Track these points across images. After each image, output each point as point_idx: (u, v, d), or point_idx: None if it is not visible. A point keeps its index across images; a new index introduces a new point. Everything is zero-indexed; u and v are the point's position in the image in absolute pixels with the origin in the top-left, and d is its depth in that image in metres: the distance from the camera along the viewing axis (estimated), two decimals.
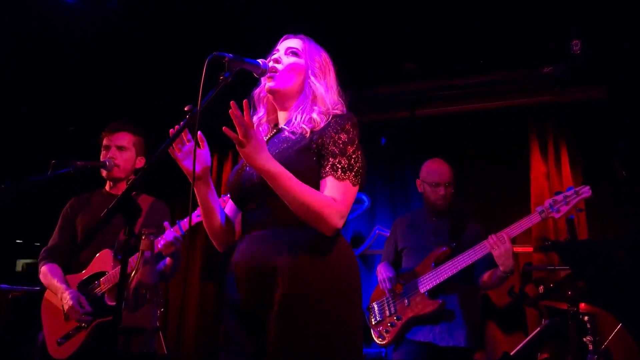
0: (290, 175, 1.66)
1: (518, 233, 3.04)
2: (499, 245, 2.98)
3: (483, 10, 3.74)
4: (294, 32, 2.04)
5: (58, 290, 2.78)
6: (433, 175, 3.39)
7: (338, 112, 1.88)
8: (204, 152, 1.85)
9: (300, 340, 1.63)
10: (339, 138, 1.77)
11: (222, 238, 1.95)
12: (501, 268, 3.01)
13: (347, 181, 1.73)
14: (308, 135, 1.80)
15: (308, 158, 1.76)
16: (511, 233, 3.01)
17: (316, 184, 1.74)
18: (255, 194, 1.80)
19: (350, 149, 1.77)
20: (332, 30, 3.91)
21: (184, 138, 1.80)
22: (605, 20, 3.67)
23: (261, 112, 2.02)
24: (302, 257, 1.70)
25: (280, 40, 2.02)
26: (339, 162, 1.74)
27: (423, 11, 3.80)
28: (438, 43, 4.05)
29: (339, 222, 1.70)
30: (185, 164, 1.81)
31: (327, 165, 1.74)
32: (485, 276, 3.21)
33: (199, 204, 1.89)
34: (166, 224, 2.70)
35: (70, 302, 2.69)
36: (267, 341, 1.68)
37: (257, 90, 2.04)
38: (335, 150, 1.75)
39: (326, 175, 1.74)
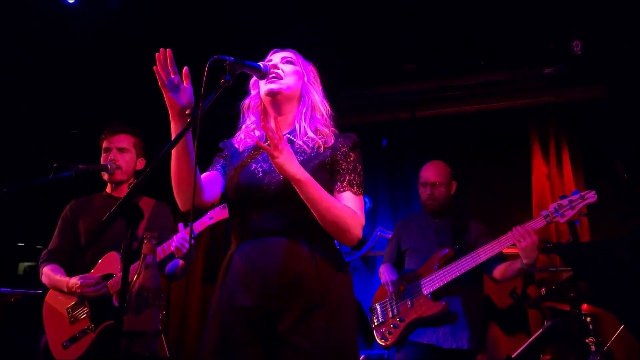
0: (319, 185, 1.74)
1: (510, 244, 3.02)
2: (525, 238, 2.93)
3: (484, 10, 3.73)
4: (282, 42, 2.06)
5: (62, 283, 2.78)
6: (423, 175, 3.47)
7: (335, 130, 1.97)
8: (188, 88, 1.74)
9: (313, 346, 1.69)
10: (349, 156, 1.89)
11: (188, 194, 1.78)
12: (524, 260, 2.95)
13: (361, 196, 1.87)
14: (322, 150, 1.88)
15: (326, 174, 1.85)
16: (507, 243, 3.01)
17: None
18: (270, 200, 1.80)
19: (359, 167, 1.90)
20: (333, 31, 3.92)
21: (170, 69, 1.72)
22: (606, 20, 3.67)
23: (251, 119, 2.02)
24: (323, 268, 1.78)
25: (270, 54, 2.02)
26: (354, 179, 1.86)
27: (423, 11, 3.80)
28: (438, 43, 4.05)
29: (360, 233, 1.81)
30: (171, 95, 1.70)
31: (344, 180, 1.85)
32: (501, 268, 3.17)
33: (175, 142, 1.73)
34: (180, 225, 2.73)
35: (79, 282, 2.70)
36: (280, 347, 1.71)
37: (246, 100, 2.05)
38: (350, 167, 1.87)
39: (344, 190, 1.85)
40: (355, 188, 1.84)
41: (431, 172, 3.43)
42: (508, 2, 3.65)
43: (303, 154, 1.86)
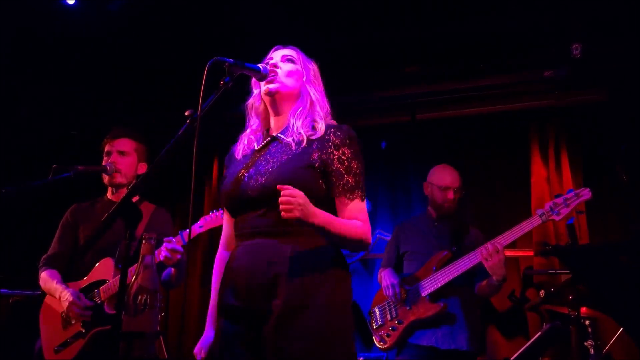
0: (334, 217, 1.76)
1: (514, 239, 3.05)
2: (492, 256, 3.01)
3: (484, 14, 3.74)
4: (283, 42, 2.07)
5: (57, 291, 2.77)
6: (444, 179, 3.41)
7: (333, 122, 1.94)
8: None
9: (297, 350, 1.66)
10: (343, 154, 1.83)
11: None
12: (494, 277, 3.06)
13: (358, 199, 1.84)
14: (304, 144, 1.84)
15: (312, 175, 1.80)
16: (504, 242, 3.03)
17: (319, 200, 1.77)
18: (255, 203, 1.82)
19: (354, 165, 1.84)
20: (333, 34, 3.93)
21: None
22: (606, 23, 3.67)
23: (255, 122, 2.03)
24: (303, 268, 1.74)
25: (272, 51, 2.04)
26: (347, 182, 1.82)
27: (424, 15, 3.80)
28: (438, 47, 4.06)
29: (370, 239, 1.85)
30: None
31: (338, 186, 1.82)
32: (482, 284, 3.24)
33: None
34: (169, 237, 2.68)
35: (70, 298, 2.68)
36: (264, 349, 1.70)
37: (250, 101, 2.06)
38: (341, 169, 1.82)
39: (339, 196, 1.83)
40: (348, 194, 1.82)
41: (453, 176, 3.41)
42: (508, 5, 3.66)
43: (288, 153, 1.85)
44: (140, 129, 3.16)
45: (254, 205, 1.81)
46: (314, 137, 1.85)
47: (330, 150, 1.82)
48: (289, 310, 1.69)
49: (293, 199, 1.64)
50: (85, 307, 2.69)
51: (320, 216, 1.70)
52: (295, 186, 1.70)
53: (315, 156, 1.82)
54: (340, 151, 1.82)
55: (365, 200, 1.87)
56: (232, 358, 1.77)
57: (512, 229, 3.05)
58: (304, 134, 1.85)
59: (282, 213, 1.63)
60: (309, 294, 1.72)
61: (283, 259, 1.74)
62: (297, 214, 1.63)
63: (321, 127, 1.88)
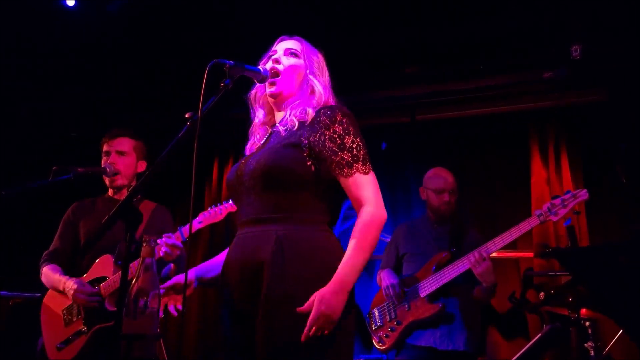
0: (345, 263, 1.66)
1: (511, 240, 3.05)
2: (480, 263, 3.03)
3: (483, 14, 3.74)
4: (289, 34, 2.06)
5: (60, 282, 2.77)
6: (437, 182, 3.41)
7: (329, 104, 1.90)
8: None
9: (285, 338, 1.61)
10: (334, 132, 1.76)
11: None
12: (484, 284, 3.10)
13: (358, 174, 1.73)
14: (295, 128, 1.81)
15: (294, 152, 1.75)
16: (494, 248, 3.04)
17: (306, 181, 1.74)
18: (247, 191, 1.81)
19: (348, 140, 1.75)
20: (333, 35, 3.92)
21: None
22: (605, 23, 3.68)
23: (260, 113, 2.03)
24: (287, 254, 1.67)
25: (276, 42, 2.03)
26: (342, 159, 1.74)
27: (424, 16, 3.81)
28: (438, 47, 4.06)
29: (384, 214, 1.72)
30: None
31: (332, 163, 1.74)
32: (477, 290, 3.25)
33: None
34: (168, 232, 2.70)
35: (75, 286, 2.69)
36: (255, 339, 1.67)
37: (252, 92, 2.06)
38: (334, 148, 1.74)
39: (337, 175, 1.75)
40: (345, 170, 1.73)
41: (447, 179, 3.42)
42: (508, 6, 3.66)
43: (277, 139, 1.85)
44: (140, 130, 3.16)
45: (246, 191, 1.81)
46: (305, 121, 1.82)
47: (321, 131, 1.76)
48: (273, 301, 1.62)
49: (317, 321, 1.57)
50: (91, 293, 2.70)
51: (341, 292, 1.61)
52: (279, 165, 1.71)
53: (303, 136, 1.77)
54: (331, 130, 1.75)
55: (370, 173, 1.75)
56: (231, 350, 1.76)
57: (510, 230, 3.06)
58: (295, 120, 1.83)
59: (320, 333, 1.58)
60: (294, 282, 1.64)
61: (266, 247, 1.69)
62: (331, 325, 1.58)
63: (311, 112, 1.83)
